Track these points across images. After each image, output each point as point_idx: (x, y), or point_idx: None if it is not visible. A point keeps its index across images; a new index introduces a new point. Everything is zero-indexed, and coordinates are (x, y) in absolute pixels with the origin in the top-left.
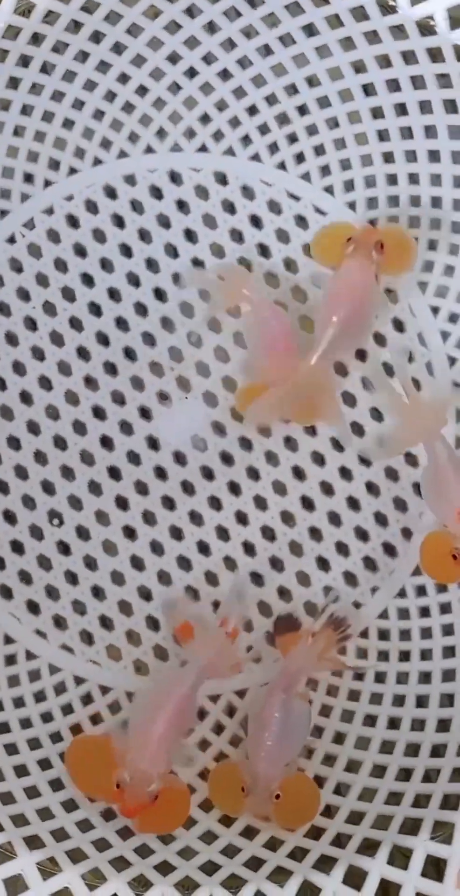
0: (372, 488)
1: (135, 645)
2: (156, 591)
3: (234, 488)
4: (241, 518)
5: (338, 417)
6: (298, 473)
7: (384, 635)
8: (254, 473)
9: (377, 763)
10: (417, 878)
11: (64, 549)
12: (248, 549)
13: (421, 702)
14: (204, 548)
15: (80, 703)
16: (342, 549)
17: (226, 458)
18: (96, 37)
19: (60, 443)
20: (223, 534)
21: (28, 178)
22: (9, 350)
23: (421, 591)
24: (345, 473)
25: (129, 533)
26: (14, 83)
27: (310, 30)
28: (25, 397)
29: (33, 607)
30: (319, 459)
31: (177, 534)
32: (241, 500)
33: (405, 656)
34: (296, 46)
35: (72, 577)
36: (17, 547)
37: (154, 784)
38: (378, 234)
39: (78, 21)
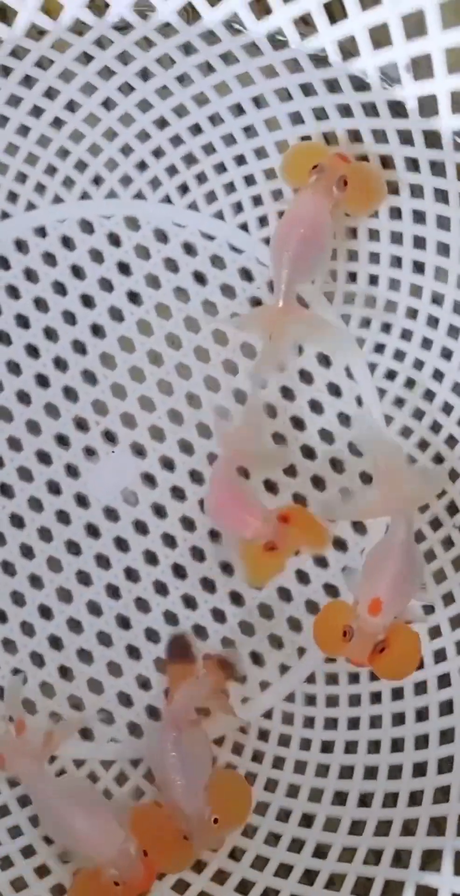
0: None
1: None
2: (96, 653)
3: (169, 540)
4: (178, 571)
5: (331, 330)
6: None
7: (288, 719)
8: (189, 524)
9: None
10: None
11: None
12: (188, 602)
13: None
14: (142, 605)
15: None
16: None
17: (159, 511)
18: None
19: None
20: (161, 588)
21: None
22: None
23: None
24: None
25: (65, 595)
26: None
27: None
28: None
29: None
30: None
31: (113, 592)
32: (177, 552)
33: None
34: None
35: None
36: None
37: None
38: (344, 169)
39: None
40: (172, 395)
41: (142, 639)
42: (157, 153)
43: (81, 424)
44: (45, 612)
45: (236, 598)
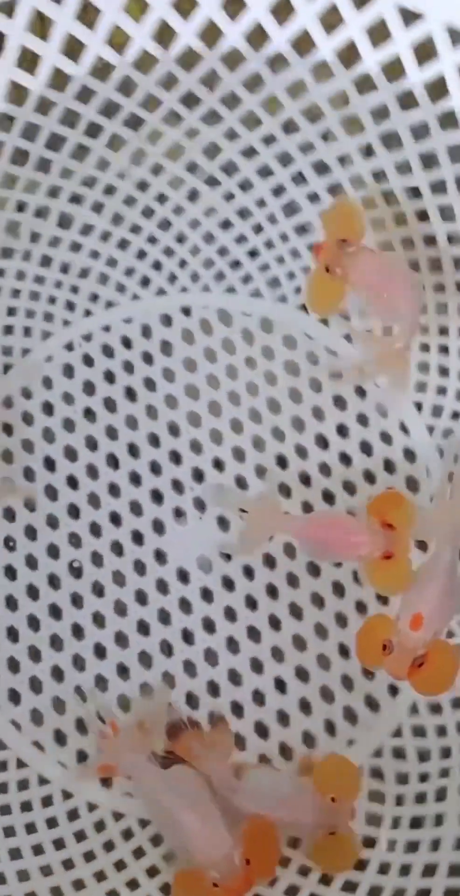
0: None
1: None
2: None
3: (231, 614)
4: (232, 645)
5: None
6: (296, 612)
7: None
8: (251, 603)
9: None
10: None
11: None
12: (233, 677)
13: None
14: (190, 667)
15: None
16: (327, 694)
17: (228, 584)
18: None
19: (74, 540)
20: (212, 657)
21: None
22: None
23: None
24: (341, 619)
25: (120, 639)
26: None
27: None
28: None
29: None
30: (319, 601)
31: (167, 648)
32: (235, 626)
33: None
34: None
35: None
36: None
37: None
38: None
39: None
40: (263, 480)
41: (182, 701)
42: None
43: (178, 486)
44: (100, 652)
45: (280, 685)
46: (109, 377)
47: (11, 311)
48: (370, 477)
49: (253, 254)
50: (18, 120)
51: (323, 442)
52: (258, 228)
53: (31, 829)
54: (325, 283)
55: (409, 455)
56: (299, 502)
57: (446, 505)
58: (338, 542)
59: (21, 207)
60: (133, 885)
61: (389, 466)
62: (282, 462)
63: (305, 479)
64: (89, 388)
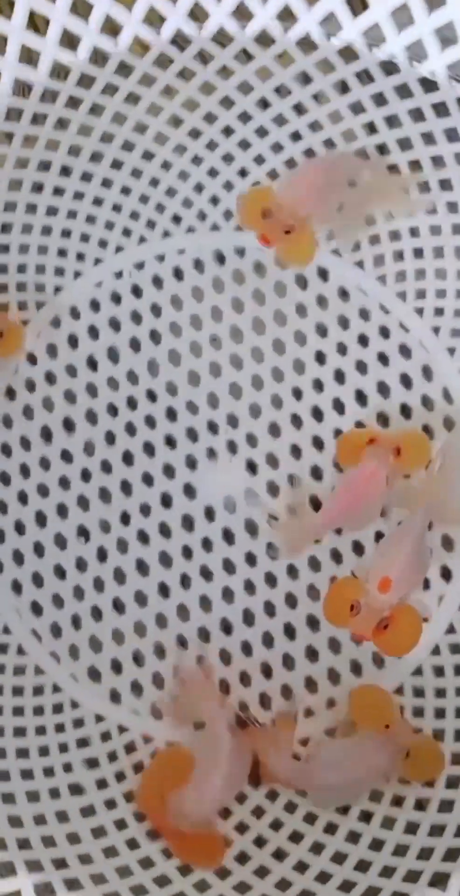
0: None
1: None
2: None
3: (252, 559)
4: (249, 586)
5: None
6: (314, 563)
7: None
8: (273, 549)
9: None
10: None
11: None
12: (248, 618)
13: None
14: (205, 602)
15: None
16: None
17: (250, 527)
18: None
19: (106, 466)
20: (228, 594)
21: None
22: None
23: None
24: None
25: (140, 566)
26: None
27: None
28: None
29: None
30: (337, 556)
31: (184, 580)
32: (255, 570)
33: None
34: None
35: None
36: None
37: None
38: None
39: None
40: (300, 430)
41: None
42: None
43: (213, 427)
44: (120, 577)
45: (290, 632)
46: (156, 310)
47: (66, 233)
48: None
49: None
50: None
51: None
52: None
53: (40, 731)
54: (293, 248)
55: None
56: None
57: (430, 475)
58: (366, 491)
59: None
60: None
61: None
62: (317, 415)
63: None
64: (136, 318)
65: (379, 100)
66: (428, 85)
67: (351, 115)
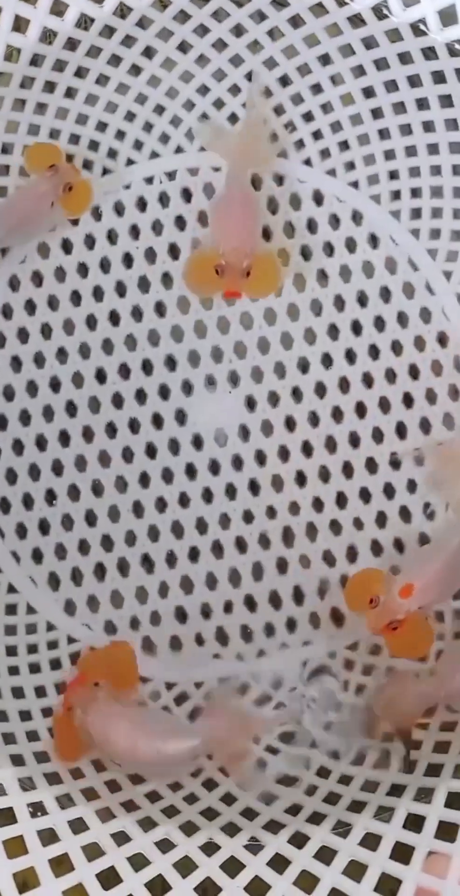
0: None
1: None
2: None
3: (232, 493)
4: (224, 520)
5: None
6: (301, 479)
7: None
8: (255, 488)
9: None
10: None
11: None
12: (216, 550)
13: None
14: (177, 528)
15: None
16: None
17: (237, 463)
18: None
19: (100, 376)
20: (202, 526)
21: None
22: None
23: None
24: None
25: (122, 485)
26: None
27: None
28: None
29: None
30: (318, 504)
31: (162, 505)
32: (232, 505)
33: None
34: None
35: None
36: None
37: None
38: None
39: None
40: (307, 375)
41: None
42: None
43: (217, 356)
44: (98, 491)
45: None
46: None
47: (130, 116)
48: None
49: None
50: None
51: None
52: None
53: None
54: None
55: None
56: None
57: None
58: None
59: None
60: None
61: None
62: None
63: None
64: (158, 227)
65: None
66: None
67: None
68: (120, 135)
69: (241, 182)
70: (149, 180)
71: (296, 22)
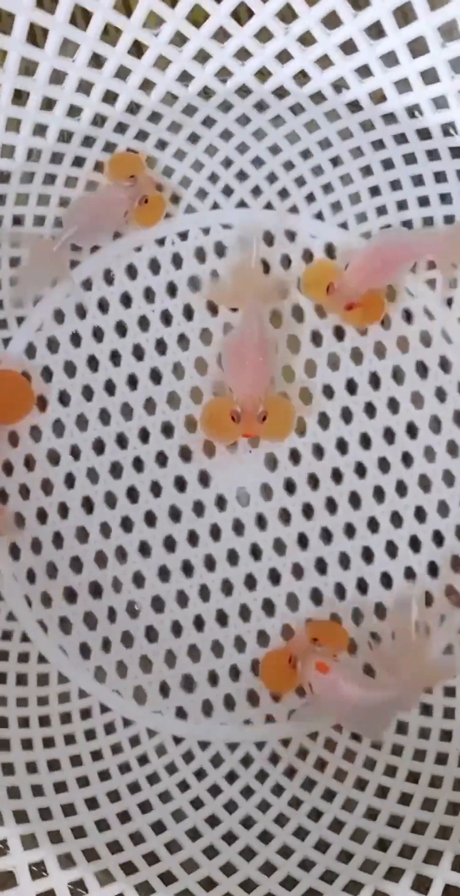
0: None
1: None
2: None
3: (256, 552)
4: (249, 581)
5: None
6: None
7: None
8: (280, 548)
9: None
10: None
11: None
12: (244, 612)
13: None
14: (204, 592)
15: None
16: None
17: (260, 522)
18: None
19: (122, 440)
20: (227, 587)
21: None
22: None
23: None
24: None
25: (144, 548)
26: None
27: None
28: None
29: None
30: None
31: (187, 568)
32: (258, 565)
33: None
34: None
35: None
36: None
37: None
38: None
39: None
40: (326, 431)
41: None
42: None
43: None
44: (122, 555)
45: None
46: (194, 284)
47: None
48: None
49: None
50: None
51: None
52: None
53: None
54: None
55: None
56: None
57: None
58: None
59: None
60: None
61: None
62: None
63: None
64: (172, 290)
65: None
66: None
67: None
68: None
69: (253, 324)
70: (161, 241)
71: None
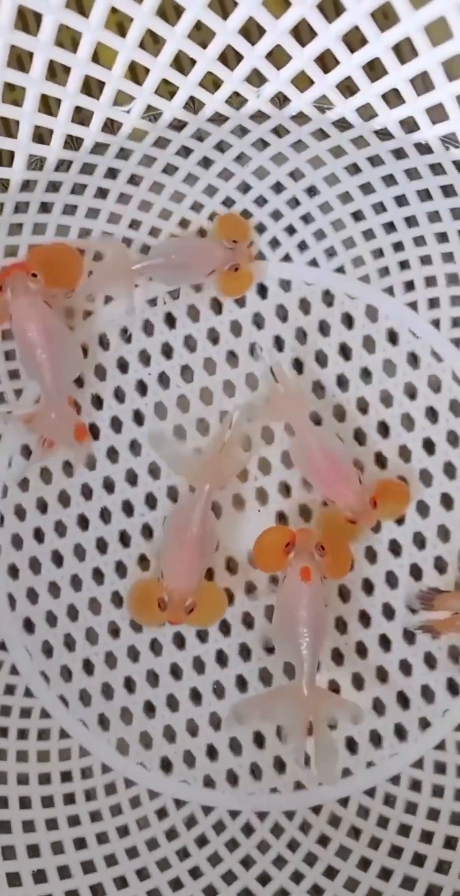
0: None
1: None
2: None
3: (248, 622)
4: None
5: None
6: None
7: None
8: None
9: None
10: None
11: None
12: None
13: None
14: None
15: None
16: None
17: (275, 581)
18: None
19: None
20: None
21: None
22: None
23: None
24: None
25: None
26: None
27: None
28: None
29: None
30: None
31: (203, 635)
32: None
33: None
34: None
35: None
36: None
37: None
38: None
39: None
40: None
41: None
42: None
43: (242, 473)
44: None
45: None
46: (214, 337)
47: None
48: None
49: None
50: None
51: None
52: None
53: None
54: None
55: None
56: None
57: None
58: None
59: None
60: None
61: None
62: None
63: None
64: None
65: None
66: None
67: None
68: None
69: (198, 510)
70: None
71: (278, 131)
